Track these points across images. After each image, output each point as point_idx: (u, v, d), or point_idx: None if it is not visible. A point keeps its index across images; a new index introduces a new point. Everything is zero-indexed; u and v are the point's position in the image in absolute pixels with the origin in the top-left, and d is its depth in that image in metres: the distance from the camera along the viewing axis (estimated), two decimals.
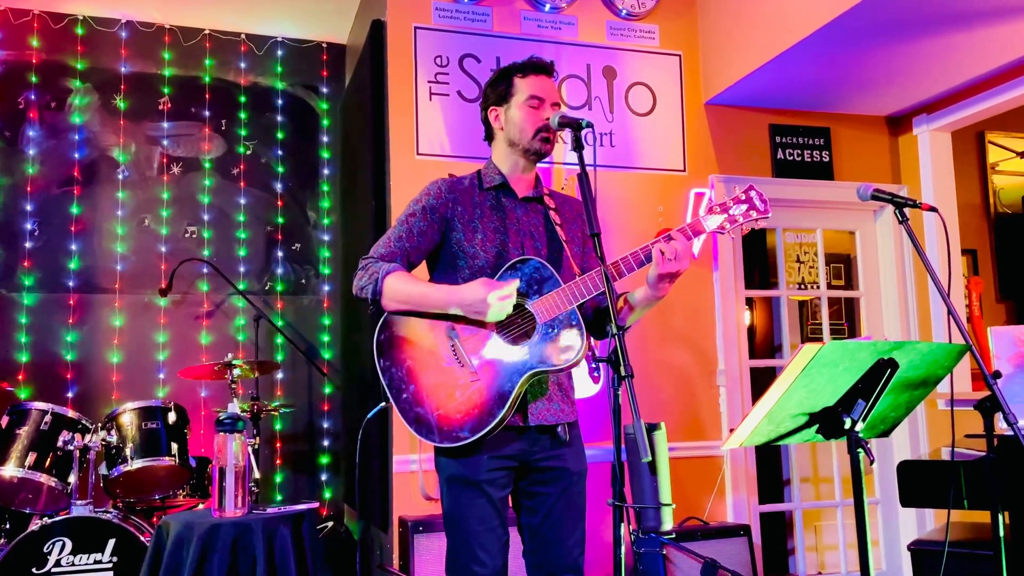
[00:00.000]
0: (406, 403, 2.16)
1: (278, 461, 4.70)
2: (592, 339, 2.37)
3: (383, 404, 2.23)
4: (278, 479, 4.68)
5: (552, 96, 2.30)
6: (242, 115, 4.85)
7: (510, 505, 2.29)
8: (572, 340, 2.12)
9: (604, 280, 2.00)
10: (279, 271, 4.83)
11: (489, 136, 2.40)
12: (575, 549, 2.23)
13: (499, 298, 2.08)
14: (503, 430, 2.12)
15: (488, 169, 2.36)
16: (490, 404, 2.10)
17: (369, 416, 2.65)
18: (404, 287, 2.17)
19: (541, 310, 2.14)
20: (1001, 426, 2.62)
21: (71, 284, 4.46)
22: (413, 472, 3.52)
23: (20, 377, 4.33)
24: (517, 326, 2.16)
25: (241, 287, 4.66)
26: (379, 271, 2.20)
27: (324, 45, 5.06)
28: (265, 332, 4.66)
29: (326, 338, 4.87)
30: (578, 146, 2.09)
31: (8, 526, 3.64)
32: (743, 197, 2.24)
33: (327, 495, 4.75)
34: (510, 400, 2.09)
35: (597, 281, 2.12)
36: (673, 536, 3.30)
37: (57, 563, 3.27)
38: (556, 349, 2.12)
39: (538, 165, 2.41)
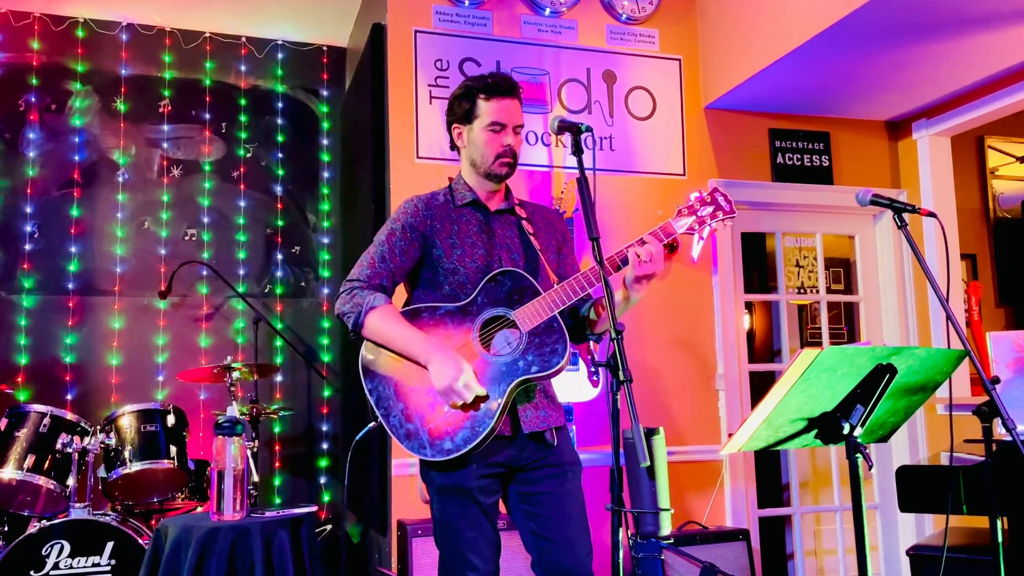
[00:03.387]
0: (396, 421, 2.17)
1: (277, 464, 4.69)
2: (575, 344, 2.40)
3: (372, 424, 2.23)
4: (277, 482, 4.68)
5: (514, 119, 2.31)
6: (242, 118, 4.86)
7: (502, 511, 2.29)
8: (556, 346, 2.15)
9: (598, 282, 2.08)
10: (279, 274, 4.83)
11: (455, 147, 2.41)
12: (583, 549, 2.21)
13: (465, 386, 2.08)
14: (494, 439, 2.14)
15: (458, 185, 2.38)
16: (480, 415, 2.12)
17: (359, 437, 2.67)
18: (385, 328, 2.19)
19: (524, 319, 2.17)
20: (1000, 431, 2.62)
21: (71, 286, 4.46)
22: (412, 476, 3.52)
23: (19, 379, 4.33)
24: (501, 336, 2.18)
25: (240, 290, 4.66)
26: (363, 303, 2.20)
27: (324, 48, 5.06)
28: (264, 335, 4.66)
29: (325, 341, 4.87)
30: (577, 150, 2.11)
31: (6, 528, 3.64)
32: (708, 199, 2.31)
33: (326, 498, 4.74)
34: (499, 410, 2.11)
35: (576, 287, 2.17)
36: (672, 541, 3.30)
37: (55, 566, 3.27)
38: (541, 356, 2.14)
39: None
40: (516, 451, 2.22)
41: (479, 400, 2.11)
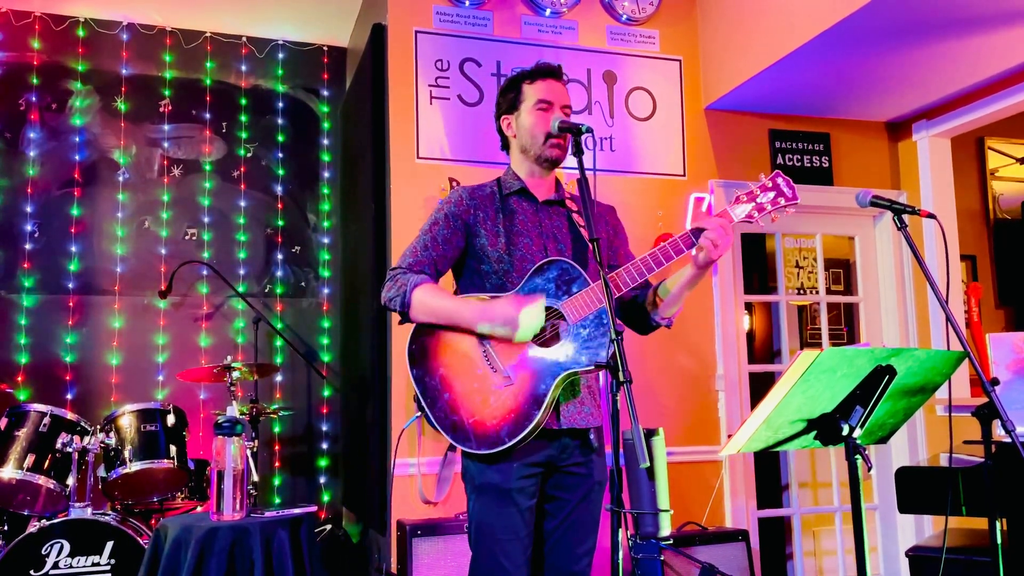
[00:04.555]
0: (441, 411, 2.15)
1: (277, 464, 4.69)
2: (639, 335, 2.41)
3: (418, 415, 2.22)
4: (277, 482, 4.68)
5: (561, 99, 2.31)
6: (243, 118, 4.86)
7: None
8: (603, 339, 2.11)
9: (648, 272, 2.12)
10: (279, 274, 4.83)
11: (505, 145, 2.42)
12: (584, 558, 2.23)
13: (529, 316, 2.07)
14: (536, 436, 2.12)
15: (507, 175, 2.38)
16: (526, 408, 2.09)
17: (406, 426, 2.68)
18: (432, 302, 2.17)
19: (571, 310, 2.14)
20: (999, 433, 2.62)
21: (71, 286, 4.46)
22: (412, 476, 3.52)
23: (19, 379, 4.33)
24: (548, 328, 2.15)
25: (241, 289, 4.66)
26: (407, 283, 2.19)
27: (325, 48, 5.06)
28: (264, 335, 4.66)
29: (325, 341, 4.87)
30: (578, 151, 2.11)
31: (6, 528, 3.64)
32: (770, 184, 2.24)
33: (326, 498, 4.75)
34: (546, 403, 2.09)
35: (626, 278, 2.16)
36: (671, 541, 3.30)
37: (55, 565, 3.27)
38: (588, 349, 2.11)
39: None
40: (556, 451, 2.20)
41: (558, 323, 2.12)
